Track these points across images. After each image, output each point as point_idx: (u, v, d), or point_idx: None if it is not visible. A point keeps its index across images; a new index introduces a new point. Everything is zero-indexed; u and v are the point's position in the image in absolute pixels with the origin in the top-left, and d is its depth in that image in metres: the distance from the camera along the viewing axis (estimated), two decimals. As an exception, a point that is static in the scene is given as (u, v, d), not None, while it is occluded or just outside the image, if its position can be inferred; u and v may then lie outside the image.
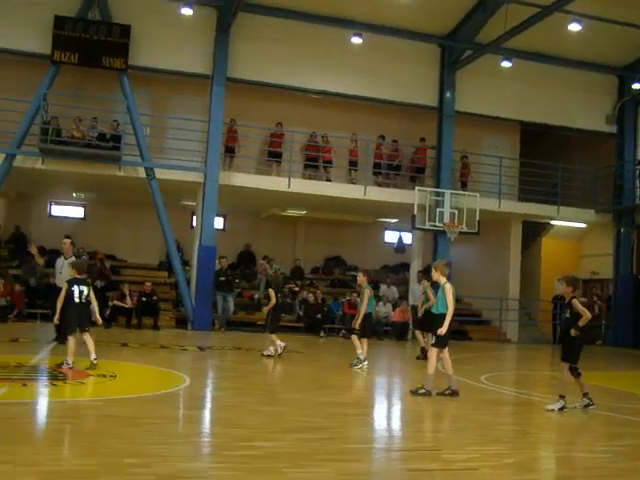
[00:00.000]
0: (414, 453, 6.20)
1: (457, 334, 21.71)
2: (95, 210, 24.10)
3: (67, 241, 14.00)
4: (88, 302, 10.43)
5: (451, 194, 21.42)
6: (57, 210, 24.36)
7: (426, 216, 20.97)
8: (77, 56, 18.86)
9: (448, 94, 22.01)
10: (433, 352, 9.62)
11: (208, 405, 8.66)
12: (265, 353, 13.52)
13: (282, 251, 24.76)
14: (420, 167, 23.06)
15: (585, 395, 9.08)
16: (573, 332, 8.80)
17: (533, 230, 24.80)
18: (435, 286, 10.42)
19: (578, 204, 23.17)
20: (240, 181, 20.07)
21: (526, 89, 22.76)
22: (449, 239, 21.39)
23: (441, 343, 9.53)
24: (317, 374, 12.23)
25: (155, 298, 19.36)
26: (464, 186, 23.14)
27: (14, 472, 4.97)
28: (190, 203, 21.57)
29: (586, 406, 9.02)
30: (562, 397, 8.88)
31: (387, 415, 8.85)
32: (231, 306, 20.08)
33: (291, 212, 23.66)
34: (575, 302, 8.92)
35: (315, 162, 21.94)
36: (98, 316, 10.80)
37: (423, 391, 9.58)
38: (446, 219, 21.07)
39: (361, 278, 12.90)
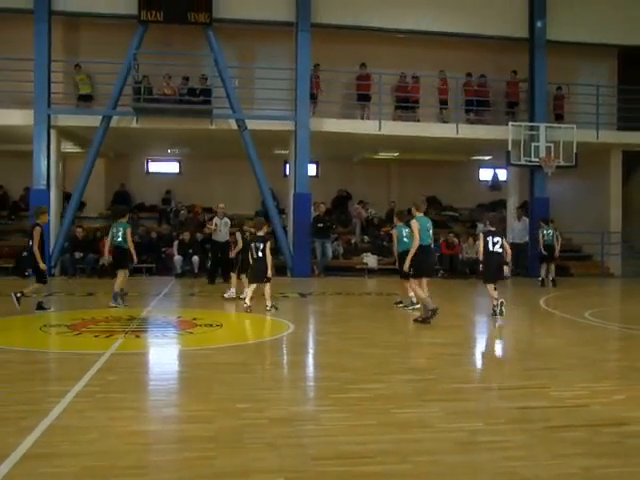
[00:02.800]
0: (521, 391, 6.19)
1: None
2: (190, 164, 24.59)
3: (222, 205, 16.91)
4: (265, 257, 11.62)
5: (546, 127, 20.80)
6: (154, 167, 25.00)
7: (521, 152, 20.48)
8: (162, 14, 19.12)
9: (539, 23, 21.21)
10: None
11: (313, 350, 8.85)
12: (226, 296, 13.97)
13: (376, 194, 24.69)
14: (513, 102, 22.45)
15: None
16: None
17: (634, 160, 23.81)
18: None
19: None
20: (331, 127, 20.05)
21: (622, 11, 21.67)
22: (546, 174, 20.86)
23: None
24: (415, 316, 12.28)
25: (254, 248, 19.68)
26: (559, 118, 22.38)
27: (137, 417, 5.27)
28: (282, 152, 21.72)
29: None
30: None
31: (491, 354, 8.83)
32: (329, 252, 20.22)
33: (383, 155, 23.54)
34: None
35: (406, 103, 21.65)
36: (270, 271, 11.77)
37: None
38: (542, 154, 20.52)
39: (395, 219, 12.88)
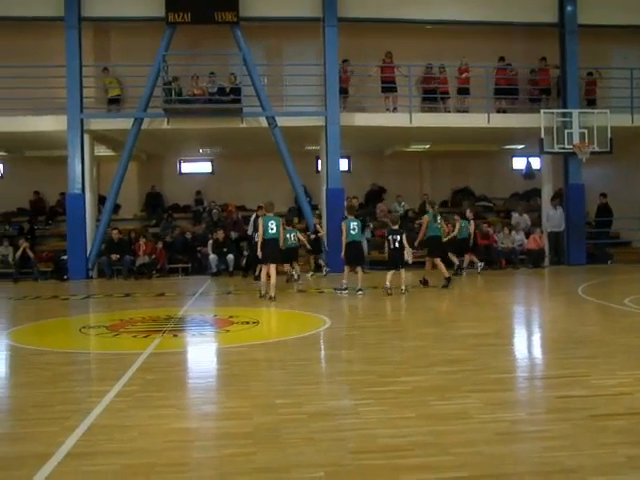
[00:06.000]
0: (562, 380, 6.12)
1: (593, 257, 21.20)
2: (222, 164, 24.69)
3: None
4: (402, 247, 13.45)
5: (579, 113, 20.50)
6: (186, 167, 25.10)
7: (554, 139, 20.21)
8: (190, 15, 19.19)
9: (569, 7, 20.87)
10: None
11: (350, 344, 8.82)
12: None
13: (409, 187, 24.53)
14: (544, 88, 22.16)
15: None
16: None
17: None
18: None
19: None
20: (361, 121, 19.99)
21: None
22: (580, 160, 20.58)
23: None
24: (452, 307, 12.22)
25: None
26: (592, 104, 22.05)
27: (176, 415, 5.31)
28: (314, 147, 21.71)
29: None
30: None
31: (529, 344, 8.75)
32: (365, 246, 20.07)
33: (415, 147, 23.37)
34: None
35: (434, 94, 21.49)
36: (410, 258, 13.94)
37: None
38: (575, 140, 20.23)
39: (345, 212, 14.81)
